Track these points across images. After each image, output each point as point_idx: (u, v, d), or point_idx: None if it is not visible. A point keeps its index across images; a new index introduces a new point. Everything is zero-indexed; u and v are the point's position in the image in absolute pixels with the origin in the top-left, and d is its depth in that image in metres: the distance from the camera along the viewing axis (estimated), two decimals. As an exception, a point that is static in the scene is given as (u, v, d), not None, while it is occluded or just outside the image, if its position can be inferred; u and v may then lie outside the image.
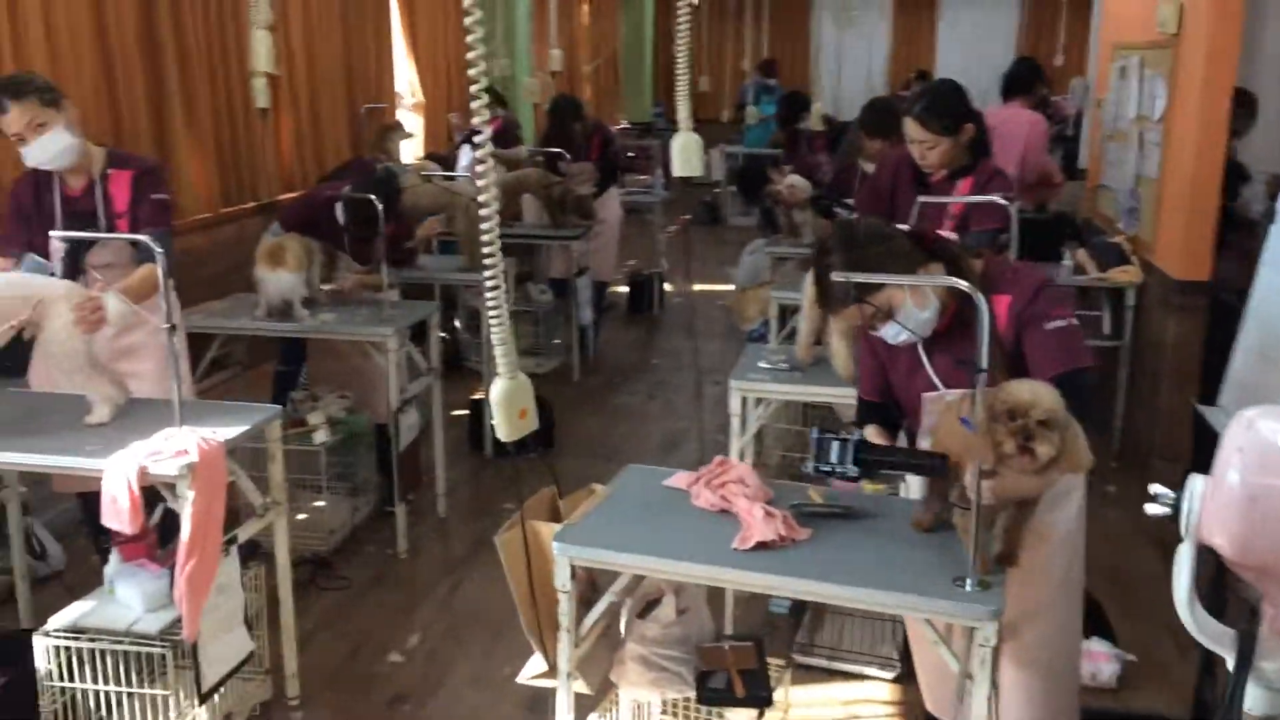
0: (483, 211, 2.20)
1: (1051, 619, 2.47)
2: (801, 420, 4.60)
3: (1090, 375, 2.21)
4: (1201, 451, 4.38)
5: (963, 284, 2.03)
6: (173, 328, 2.55)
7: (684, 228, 7.58)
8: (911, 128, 3.27)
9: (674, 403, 6.01)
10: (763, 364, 3.52)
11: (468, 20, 2.08)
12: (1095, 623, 3.35)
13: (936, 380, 2.37)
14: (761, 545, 2.17)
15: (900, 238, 2.25)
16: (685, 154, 3.44)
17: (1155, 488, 1.43)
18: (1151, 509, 1.46)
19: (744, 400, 3.48)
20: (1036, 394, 1.94)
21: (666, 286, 8.45)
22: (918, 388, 2.40)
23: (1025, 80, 5.90)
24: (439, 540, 4.29)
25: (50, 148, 3.01)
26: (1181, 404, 4.59)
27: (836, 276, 2.14)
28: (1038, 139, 6.00)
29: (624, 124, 14.00)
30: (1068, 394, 2.07)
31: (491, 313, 2.26)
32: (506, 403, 2.25)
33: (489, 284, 2.22)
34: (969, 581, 2.03)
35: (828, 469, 2.19)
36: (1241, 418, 1.29)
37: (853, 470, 2.18)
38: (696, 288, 8.98)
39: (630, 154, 10.96)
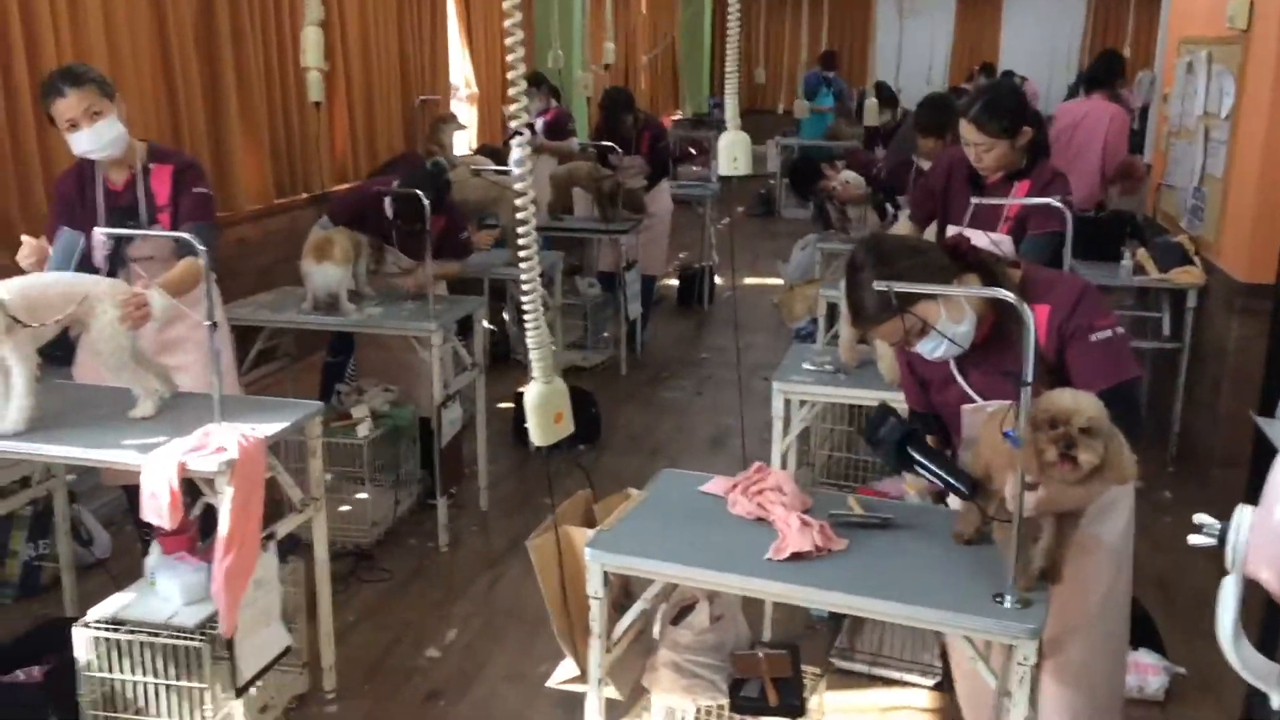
0: (519, 215, 2.18)
1: (1096, 635, 2.39)
2: (847, 420, 4.53)
3: (1139, 385, 2.13)
4: (1261, 461, 4.25)
5: (1008, 295, 1.96)
6: (214, 324, 2.56)
7: (730, 225, 7.48)
8: (967, 130, 3.18)
9: (721, 399, 5.96)
10: (807, 365, 3.47)
11: (508, 23, 2.07)
12: (1144, 634, 3.26)
13: (972, 394, 2.31)
14: (797, 555, 2.13)
15: (933, 250, 2.18)
16: (731, 153, 3.40)
17: (1200, 517, 1.37)
18: (1196, 540, 1.39)
19: (787, 402, 3.43)
20: (1079, 402, 1.88)
21: (717, 280, 8.39)
22: (953, 400, 2.35)
23: (1108, 73, 5.74)
24: (480, 534, 4.30)
25: (104, 135, 3.05)
26: (1242, 410, 4.44)
27: (878, 285, 2.08)
28: (1119, 132, 5.86)
29: (678, 116, 13.95)
30: (1118, 407, 2.00)
31: (528, 315, 2.25)
32: (541, 407, 2.23)
33: (525, 286, 2.20)
34: (1009, 598, 1.97)
35: (872, 439, 2.17)
36: (1292, 448, 1.22)
37: (893, 452, 2.14)
38: (748, 281, 8.90)
39: (690, 148, 10.90)
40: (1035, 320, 2.13)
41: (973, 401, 2.30)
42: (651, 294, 7.09)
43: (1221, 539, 1.34)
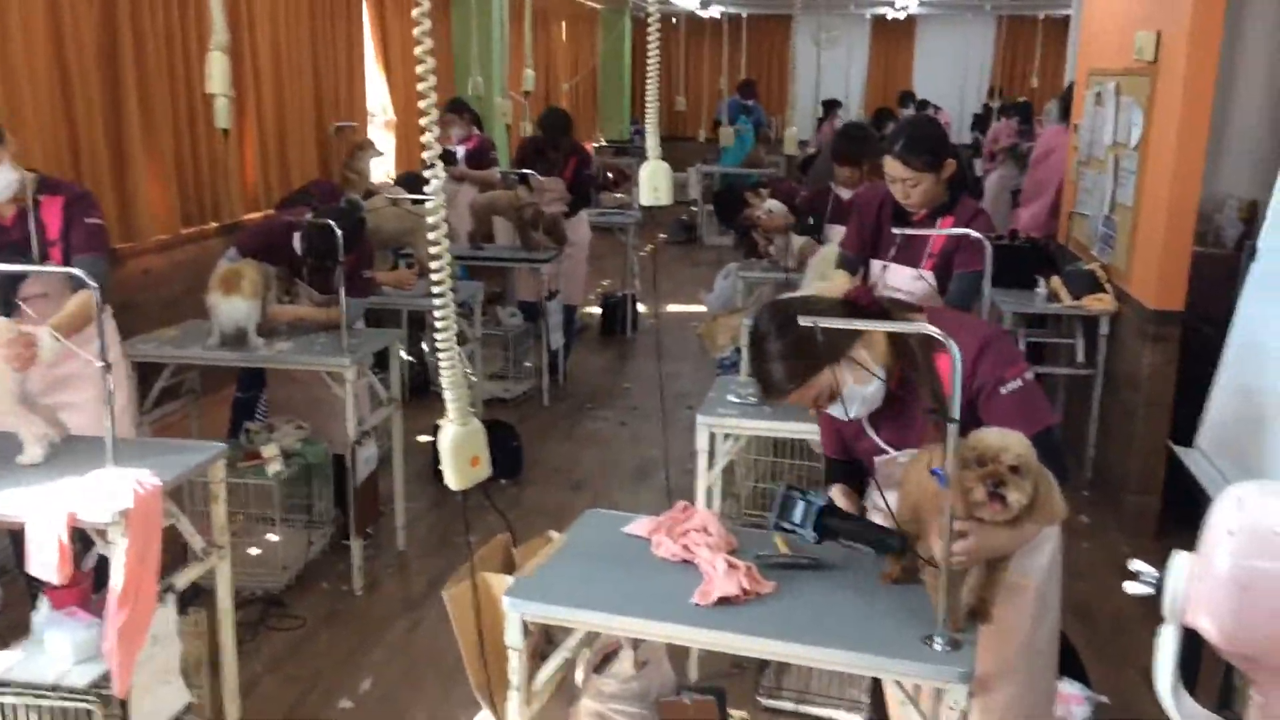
0: (432, 249, 2.09)
1: (1025, 673, 2.37)
2: (773, 451, 4.50)
3: (1056, 430, 2.12)
4: (1175, 489, 4.32)
5: (933, 330, 1.93)
6: (107, 365, 2.41)
7: (652, 254, 7.46)
8: (893, 166, 3.19)
9: (646, 429, 5.90)
10: (732, 397, 3.43)
11: (418, 50, 1.99)
12: (1067, 663, 3.25)
13: (882, 444, 2.29)
14: (724, 600, 2.07)
15: (836, 308, 2.14)
16: (652, 183, 3.35)
17: (1136, 564, 1.33)
18: (1132, 588, 1.35)
19: (712, 435, 3.38)
20: (1006, 440, 1.85)
21: (640, 308, 8.35)
22: (866, 451, 2.33)
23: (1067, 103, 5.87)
24: (397, 576, 4.17)
25: None
26: (1155, 435, 4.52)
27: (803, 321, 2.03)
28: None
29: (600, 143, 13.95)
30: (1040, 456, 1.99)
31: (443, 355, 2.16)
32: (457, 450, 2.14)
33: (438, 323, 2.11)
34: (938, 639, 1.93)
35: (789, 529, 2.13)
36: (1230, 495, 1.19)
37: (812, 536, 2.11)
38: (671, 309, 8.88)
39: (609, 174, 10.88)
40: (941, 370, 2.11)
41: (884, 453, 2.28)
42: (573, 323, 7.02)
43: (1159, 587, 1.30)
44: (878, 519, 2.38)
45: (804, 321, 2.04)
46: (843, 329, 2.10)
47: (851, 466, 2.42)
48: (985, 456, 1.84)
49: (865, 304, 2.17)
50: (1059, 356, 5.52)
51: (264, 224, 4.51)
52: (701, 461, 3.37)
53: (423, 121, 2.03)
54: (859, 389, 2.15)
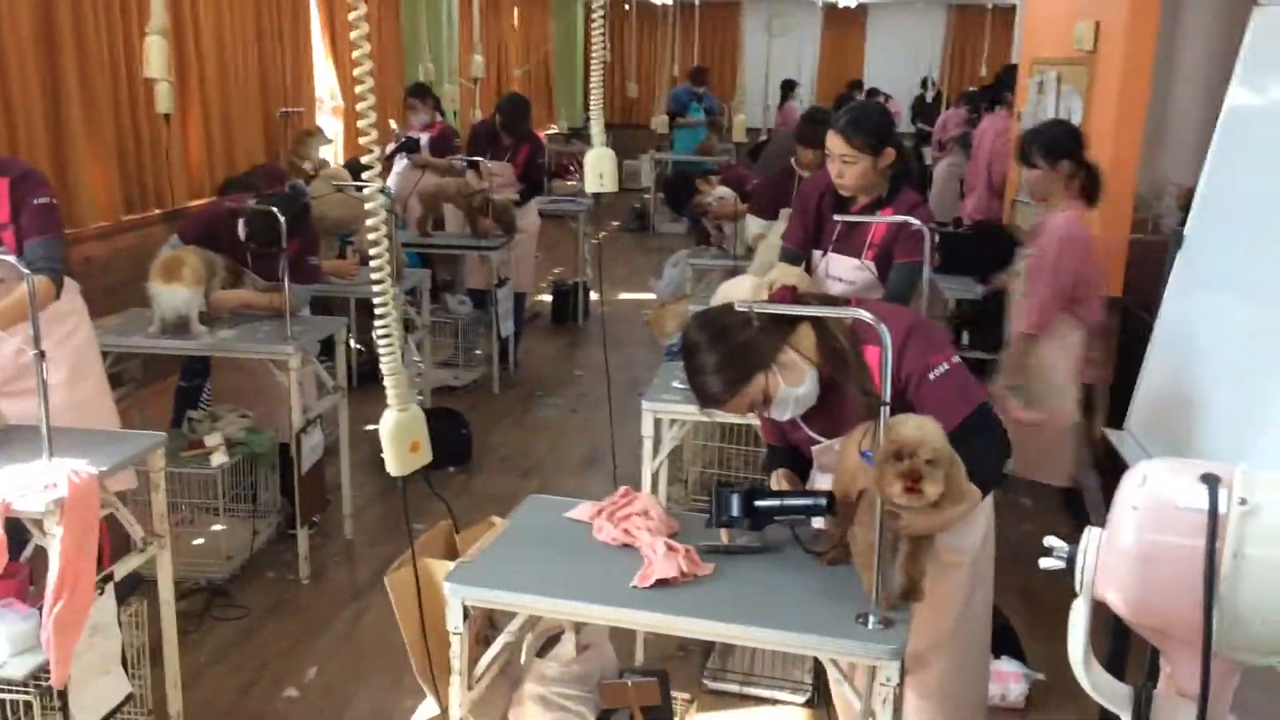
0: (370, 235, 2.10)
1: (958, 648, 2.43)
2: (719, 436, 4.54)
3: (989, 405, 2.16)
4: (1114, 473, 4.42)
5: (864, 314, 1.98)
6: (41, 354, 2.39)
7: (598, 244, 7.48)
8: (834, 140, 3.24)
9: (596, 417, 5.92)
10: (677, 383, 3.44)
11: (354, 34, 1.99)
12: (1005, 641, 3.33)
13: (815, 436, 2.34)
14: (663, 582, 2.11)
15: (761, 315, 2.17)
16: (597, 170, 3.37)
17: (1051, 540, 1.38)
18: (1046, 563, 1.40)
19: (657, 421, 3.40)
20: (924, 431, 1.89)
21: (592, 296, 8.36)
22: (802, 442, 2.38)
23: (998, 87, 5.95)
24: (344, 565, 4.16)
25: None
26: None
27: (739, 306, 2.06)
28: (1004, 145, 6.12)
29: (552, 130, 13.91)
30: (979, 436, 2.07)
31: (382, 340, 2.16)
32: (397, 436, 2.16)
33: (377, 309, 2.12)
34: (871, 618, 1.98)
35: (727, 522, 2.19)
36: (1135, 472, 1.24)
37: (746, 524, 2.17)
38: (622, 296, 8.89)
39: (566, 163, 10.86)
40: (868, 362, 2.15)
41: (818, 442, 2.33)
42: (523, 310, 7.01)
43: (1071, 562, 1.35)
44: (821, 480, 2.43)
45: (740, 306, 2.08)
46: (771, 335, 2.15)
47: (794, 452, 2.46)
48: (904, 450, 1.88)
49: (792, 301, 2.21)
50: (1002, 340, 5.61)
51: (207, 210, 4.46)
52: (647, 447, 3.40)
53: (359, 107, 2.04)
54: (792, 390, 2.18)
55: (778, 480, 2.38)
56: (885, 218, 3.26)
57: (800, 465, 2.45)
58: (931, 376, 2.13)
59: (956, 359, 2.17)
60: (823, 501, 2.12)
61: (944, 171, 9.28)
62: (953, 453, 1.90)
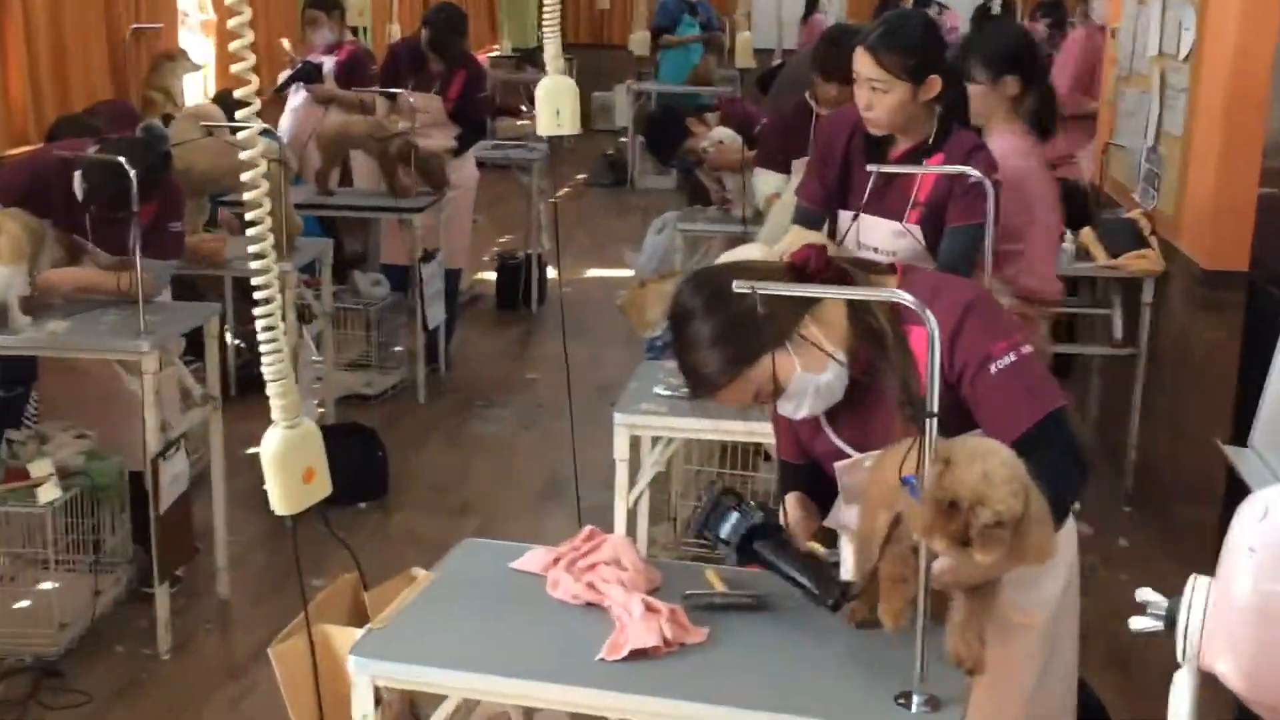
0: (248, 195, 2.10)
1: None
2: (718, 459, 4.56)
3: (1066, 416, 2.19)
4: (1239, 499, 4.46)
5: (904, 296, 1.98)
6: None
7: (563, 200, 7.50)
8: (862, 60, 3.25)
9: (555, 433, 5.91)
10: (660, 389, 3.47)
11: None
12: (1093, 724, 3.36)
13: (843, 446, 2.35)
14: (640, 653, 2.12)
15: (779, 276, 2.21)
16: (553, 104, 3.40)
17: (1145, 594, 1.39)
18: (1139, 623, 1.42)
19: (635, 439, 3.43)
20: (990, 481, 1.87)
21: (550, 273, 8.38)
22: (825, 455, 2.39)
23: None
24: (218, 633, 4.18)
25: None
26: (1213, 431, 4.65)
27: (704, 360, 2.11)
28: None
29: (495, 52, 13.91)
30: (1048, 452, 2.07)
31: (263, 335, 2.17)
32: (284, 462, 2.16)
33: (257, 294, 2.12)
34: (916, 699, 1.99)
35: (712, 541, 2.25)
36: (1254, 503, 1.26)
37: (732, 558, 2.23)
38: (592, 274, 8.92)
39: (512, 96, 10.90)
40: (913, 346, 2.17)
41: (842, 453, 2.34)
42: (456, 294, 7.03)
43: (1171, 621, 1.37)
44: (845, 544, 2.45)
45: (739, 287, 2.09)
46: (787, 303, 2.16)
47: (814, 474, 2.48)
48: (959, 504, 1.88)
49: (815, 269, 2.22)
50: (1092, 332, 5.65)
51: (30, 161, 4.44)
52: (621, 474, 3.42)
53: (231, 23, 2.04)
54: (810, 378, 2.20)
55: (791, 507, 2.40)
56: (934, 168, 3.28)
57: (821, 491, 2.47)
58: (993, 369, 2.15)
59: (1027, 348, 2.19)
60: (830, 600, 2.15)
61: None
62: (1032, 507, 1.89)
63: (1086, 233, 5.22)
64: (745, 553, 2.21)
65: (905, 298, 1.99)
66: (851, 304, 2.22)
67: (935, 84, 3.25)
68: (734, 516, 2.21)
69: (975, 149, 3.34)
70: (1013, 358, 2.15)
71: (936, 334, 1.92)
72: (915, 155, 3.33)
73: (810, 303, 2.20)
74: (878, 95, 3.25)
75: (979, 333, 2.16)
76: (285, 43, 7.96)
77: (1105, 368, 5.75)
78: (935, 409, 1.93)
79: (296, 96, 7.16)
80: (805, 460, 2.48)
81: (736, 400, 2.24)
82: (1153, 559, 4.73)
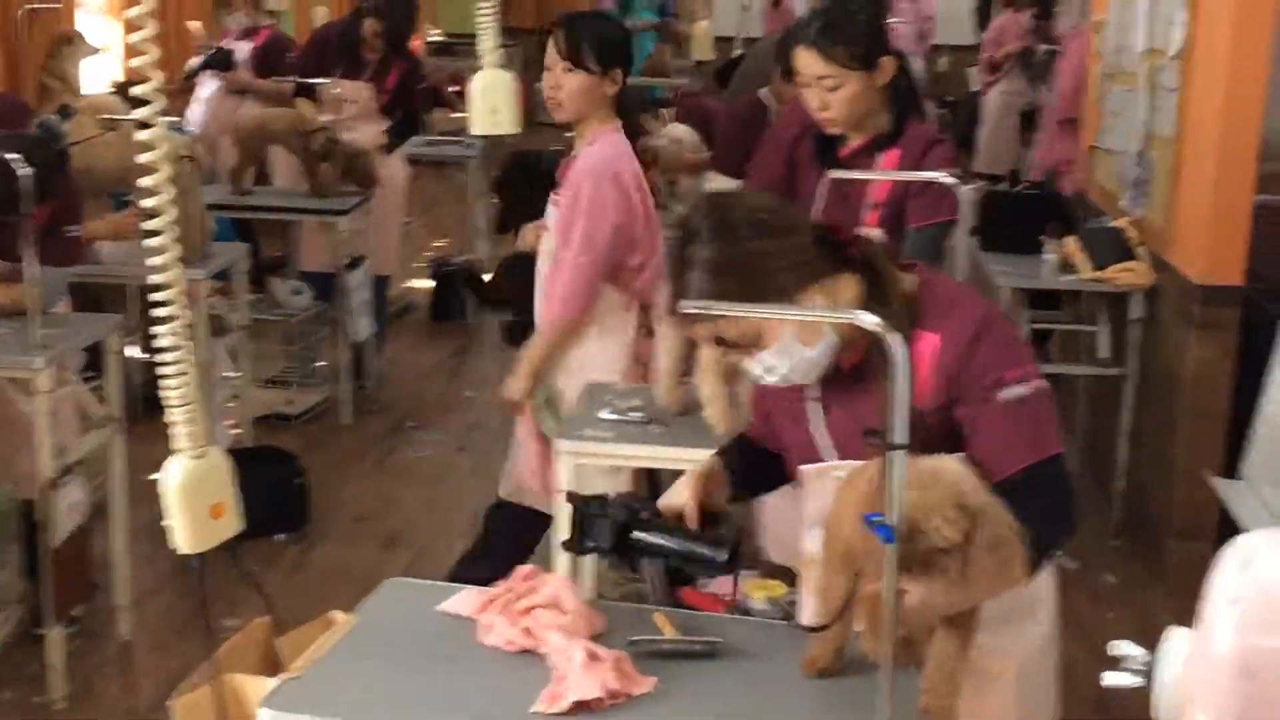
0: (149, 198, 2.09)
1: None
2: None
3: (1062, 459, 2.22)
4: (1231, 532, 4.51)
5: (868, 317, 1.98)
6: None
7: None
8: (806, 59, 3.29)
9: (494, 457, 5.90)
10: (606, 413, 3.48)
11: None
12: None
13: (823, 441, 2.35)
14: (580, 705, 2.12)
15: (801, 230, 2.23)
16: (488, 100, 3.41)
17: (1119, 646, 1.41)
18: (1111, 679, 1.44)
19: (578, 468, 3.43)
20: (926, 509, 1.91)
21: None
22: (795, 444, 2.40)
23: None
24: (118, 679, 4.15)
25: None
26: (1205, 458, 4.71)
27: (686, 306, 2.10)
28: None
29: (432, 35, 13.89)
30: (1041, 496, 2.12)
31: (165, 350, 2.15)
32: (188, 495, 2.14)
33: (159, 308, 2.11)
34: (881, 756, 2.00)
35: (593, 550, 2.32)
36: (1237, 549, 1.27)
37: (611, 550, 2.30)
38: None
39: (444, 86, 10.84)
40: (918, 351, 2.18)
41: (818, 451, 2.35)
42: (385, 303, 7.01)
43: (1149, 675, 1.38)
44: (806, 578, 2.46)
45: (686, 307, 2.10)
46: (798, 264, 2.18)
47: (756, 459, 2.53)
48: (909, 530, 1.91)
49: (844, 241, 2.24)
50: (1076, 350, 5.70)
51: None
52: (564, 505, 3.41)
53: (131, 12, 2.03)
54: (797, 348, 2.20)
55: (680, 486, 2.43)
56: (893, 174, 3.31)
57: (754, 478, 2.53)
58: (1001, 397, 2.17)
59: (1041, 382, 2.21)
60: (722, 557, 2.22)
61: (998, 103, 9.45)
62: (983, 534, 1.92)
63: (1070, 242, 5.28)
64: (623, 549, 2.27)
65: (867, 320, 1.97)
66: (870, 289, 2.22)
67: (889, 66, 3.30)
68: (600, 521, 2.27)
69: (933, 143, 3.42)
70: (1023, 389, 2.18)
71: (903, 363, 1.92)
72: (870, 150, 3.39)
73: (822, 272, 2.20)
74: (829, 91, 3.28)
75: (992, 355, 2.18)
76: (195, 25, 7.92)
77: (1091, 388, 5.80)
78: (906, 440, 1.93)
79: (208, 85, 7.14)
80: (762, 440, 2.52)
81: (708, 336, 2.25)
82: (1142, 596, 4.79)
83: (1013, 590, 2.08)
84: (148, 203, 2.07)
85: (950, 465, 1.99)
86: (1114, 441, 5.29)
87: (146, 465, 5.03)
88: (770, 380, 2.27)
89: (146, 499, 4.89)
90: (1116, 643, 1.44)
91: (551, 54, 3.67)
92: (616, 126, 3.77)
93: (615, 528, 2.26)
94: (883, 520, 1.93)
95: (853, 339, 2.25)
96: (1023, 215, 5.59)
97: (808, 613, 2.47)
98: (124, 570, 4.33)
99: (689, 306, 2.11)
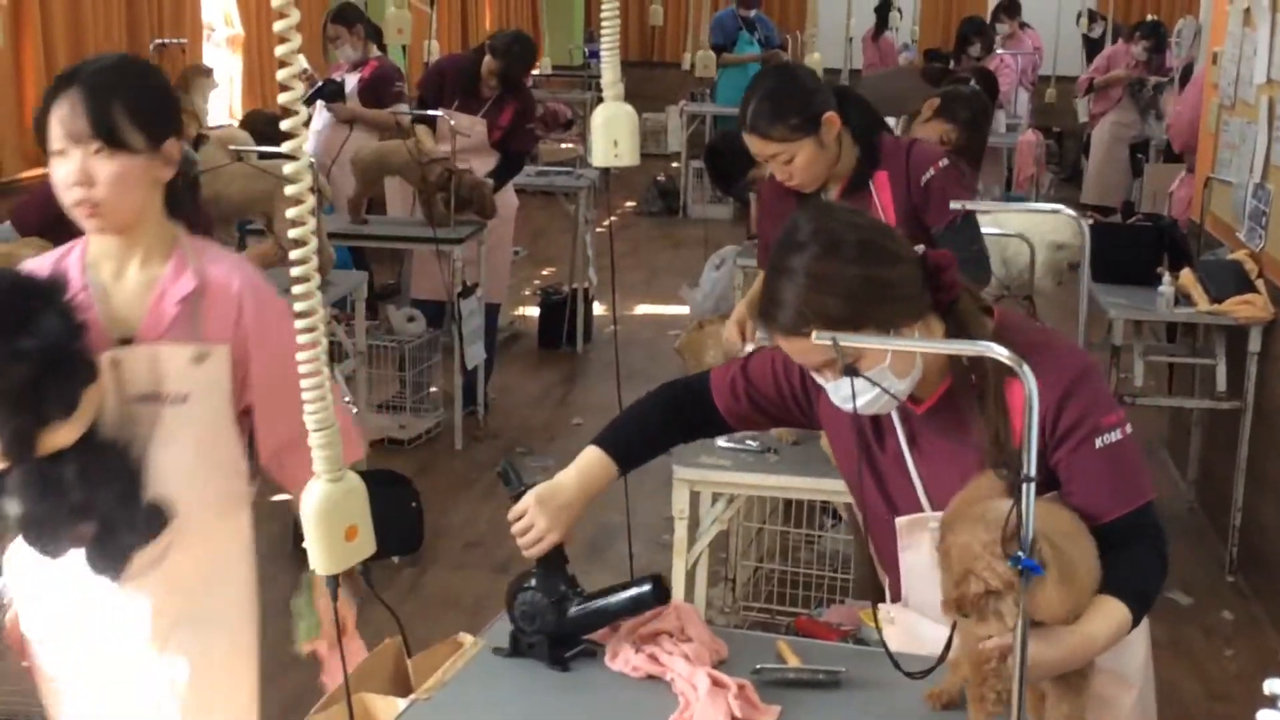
0: (293, 224, 2.13)
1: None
2: (782, 516, 4.57)
3: (1154, 504, 2.21)
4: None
5: (1000, 351, 1.97)
6: None
7: (609, 234, 7.53)
8: (754, 145, 3.43)
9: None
10: (723, 441, 3.49)
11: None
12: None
13: (919, 487, 2.33)
14: (706, 732, 2.12)
15: (908, 262, 2.21)
16: (609, 134, 3.43)
17: (1275, 684, 1.39)
18: (1267, 718, 1.41)
19: (694, 495, 3.44)
20: (974, 550, 1.96)
21: (597, 309, 8.41)
22: (882, 488, 2.37)
23: None
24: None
25: None
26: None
27: (818, 337, 2.09)
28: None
29: (538, 70, 14.02)
30: (1138, 543, 2.13)
31: (306, 379, 2.19)
32: (326, 517, 2.17)
33: (301, 336, 2.15)
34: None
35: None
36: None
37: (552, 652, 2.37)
38: (640, 310, 8.95)
39: (554, 115, 10.96)
40: (1011, 404, 2.18)
41: (889, 498, 2.34)
42: (495, 331, 7.08)
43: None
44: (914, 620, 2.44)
45: (818, 338, 2.10)
46: (908, 295, 2.17)
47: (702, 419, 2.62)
48: (962, 574, 1.96)
49: (946, 277, 2.22)
50: (1192, 383, 5.62)
51: (50, 187, 4.52)
52: (680, 532, 3.42)
53: (278, 27, 2.06)
54: (890, 376, 2.19)
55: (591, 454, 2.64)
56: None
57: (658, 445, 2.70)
58: (1098, 443, 2.15)
59: (1130, 428, 2.20)
60: (646, 589, 2.33)
61: (1106, 135, 9.32)
62: (1067, 566, 1.95)
63: (1186, 274, 5.21)
64: (563, 630, 2.37)
65: (1001, 353, 1.97)
66: (955, 325, 2.22)
67: (833, 121, 3.39)
68: (525, 598, 2.43)
69: (909, 147, 3.55)
70: (1118, 435, 2.17)
71: (1034, 394, 1.91)
72: (858, 185, 3.48)
73: (925, 309, 2.19)
74: (789, 165, 3.40)
75: (1088, 402, 2.17)
76: (303, 60, 8.05)
77: (1206, 422, 5.71)
78: (1033, 473, 1.92)
79: (319, 117, 7.25)
80: (730, 411, 2.54)
81: (800, 355, 2.23)
82: (1260, 631, 4.69)
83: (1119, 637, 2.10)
84: (293, 233, 2.11)
85: (992, 505, 2.00)
86: (1230, 475, 5.19)
87: (268, 487, 5.14)
88: (850, 407, 2.21)
89: (266, 520, 5.00)
90: (1273, 681, 1.42)
91: None
92: None
93: (553, 615, 2.38)
94: (1022, 556, 1.93)
95: (937, 375, 2.25)
96: (1136, 247, 5.53)
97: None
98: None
99: (824, 337, 2.10)
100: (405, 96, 7.30)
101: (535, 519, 2.58)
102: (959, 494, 2.13)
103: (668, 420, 2.67)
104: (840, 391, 2.22)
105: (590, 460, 2.65)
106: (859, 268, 2.14)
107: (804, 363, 2.26)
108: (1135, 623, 2.11)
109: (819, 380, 2.27)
